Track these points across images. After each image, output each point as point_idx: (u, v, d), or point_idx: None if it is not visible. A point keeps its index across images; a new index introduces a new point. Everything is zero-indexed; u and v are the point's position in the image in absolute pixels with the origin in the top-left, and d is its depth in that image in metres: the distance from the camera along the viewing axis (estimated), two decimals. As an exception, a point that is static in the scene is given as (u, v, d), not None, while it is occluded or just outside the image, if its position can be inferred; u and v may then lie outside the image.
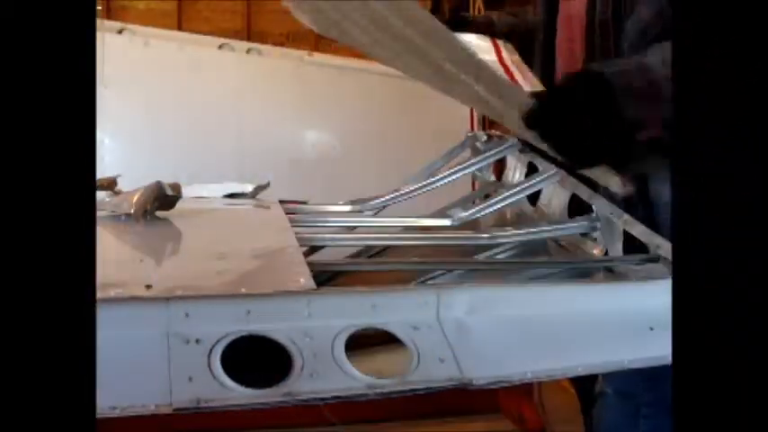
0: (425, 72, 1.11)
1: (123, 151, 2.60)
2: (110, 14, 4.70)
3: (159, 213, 1.25)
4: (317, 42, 4.44)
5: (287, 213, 1.34)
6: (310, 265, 0.94)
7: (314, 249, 1.32)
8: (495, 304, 0.90)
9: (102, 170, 1.63)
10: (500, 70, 1.44)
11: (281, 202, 1.46)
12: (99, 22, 2.64)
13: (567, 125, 0.98)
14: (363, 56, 1.84)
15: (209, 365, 0.75)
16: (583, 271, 1.18)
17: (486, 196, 1.73)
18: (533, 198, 1.49)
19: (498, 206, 1.41)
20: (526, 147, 1.50)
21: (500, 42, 1.61)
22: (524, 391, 2.33)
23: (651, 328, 0.90)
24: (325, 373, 0.77)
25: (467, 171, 1.65)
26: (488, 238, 1.27)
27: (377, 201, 1.52)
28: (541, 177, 1.41)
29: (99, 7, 4.65)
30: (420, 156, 1.84)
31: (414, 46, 0.99)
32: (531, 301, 0.93)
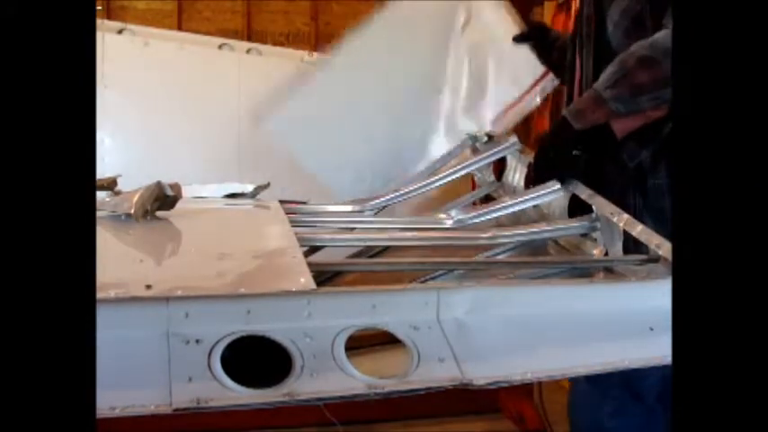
0: None
1: (123, 151, 2.60)
2: (110, 14, 4.69)
3: (159, 213, 1.25)
4: (317, 42, 4.44)
5: (287, 213, 1.33)
6: (310, 265, 0.94)
7: (314, 249, 1.31)
8: (495, 304, 0.90)
9: (102, 170, 1.63)
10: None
11: (281, 202, 1.45)
12: (99, 22, 2.64)
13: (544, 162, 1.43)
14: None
15: (209, 365, 0.75)
16: (583, 271, 1.18)
17: (487, 197, 1.73)
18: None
19: (498, 214, 1.41)
20: None
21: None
22: (524, 391, 2.33)
23: (651, 329, 0.90)
24: (326, 373, 0.77)
25: (467, 171, 1.65)
26: (488, 238, 1.27)
27: (377, 201, 1.52)
28: (547, 190, 1.40)
29: (99, 7, 4.65)
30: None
31: None
32: (531, 301, 0.93)
